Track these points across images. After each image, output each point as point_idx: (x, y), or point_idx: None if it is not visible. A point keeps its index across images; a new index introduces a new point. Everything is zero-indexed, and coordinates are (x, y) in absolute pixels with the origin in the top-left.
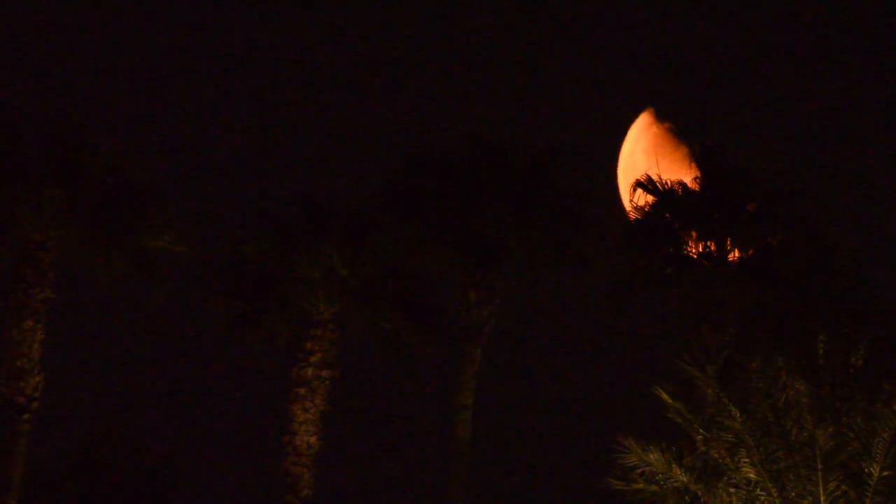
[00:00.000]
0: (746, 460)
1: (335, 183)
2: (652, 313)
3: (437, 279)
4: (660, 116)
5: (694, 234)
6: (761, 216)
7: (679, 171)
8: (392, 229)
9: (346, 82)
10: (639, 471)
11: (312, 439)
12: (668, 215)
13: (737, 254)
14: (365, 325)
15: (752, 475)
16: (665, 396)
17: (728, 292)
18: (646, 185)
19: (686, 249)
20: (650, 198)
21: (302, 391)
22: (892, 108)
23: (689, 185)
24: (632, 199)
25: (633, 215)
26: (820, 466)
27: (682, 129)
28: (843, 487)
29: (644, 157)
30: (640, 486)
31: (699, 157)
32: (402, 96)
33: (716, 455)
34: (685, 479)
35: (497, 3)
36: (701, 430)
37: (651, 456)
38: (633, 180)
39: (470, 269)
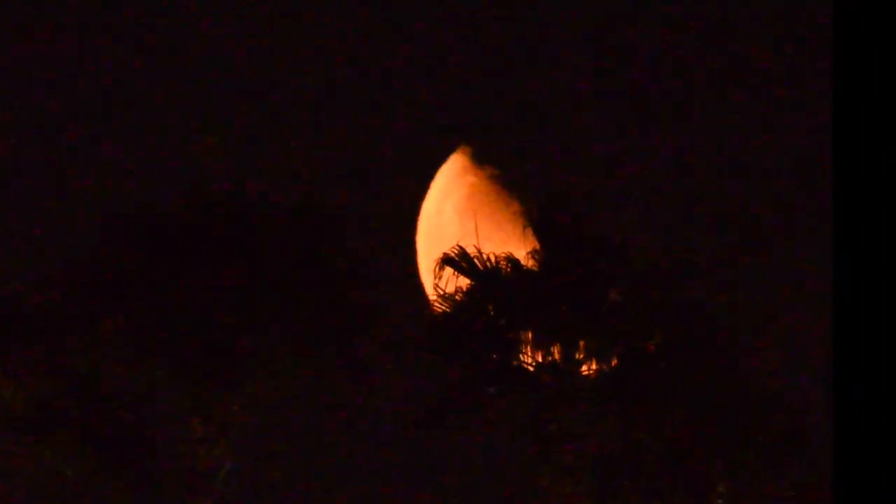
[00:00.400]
0: None
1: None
2: (466, 454)
3: (144, 402)
4: (479, 158)
5: (529, 335)
6: (631, 307)
7: (508, 240)
8: (80, 329)
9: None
10: None
11: None
12: (490, 307)
13: (594, 365)
14: (37, 468)
15: None
16: None
17: (581, 425)
18: (457, 261)
19: (518, 359)
20: (464, 280)
21: None
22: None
23: (523, 261)
24: (436, 281)
25: (438, 307)
26: None
27: (511, 176)
28: None
29: (456, 217)
30: None
31: (537, 218)
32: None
33: None
34: None
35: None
36: None
37: None
38: (439, 254)
39: (193, 389)
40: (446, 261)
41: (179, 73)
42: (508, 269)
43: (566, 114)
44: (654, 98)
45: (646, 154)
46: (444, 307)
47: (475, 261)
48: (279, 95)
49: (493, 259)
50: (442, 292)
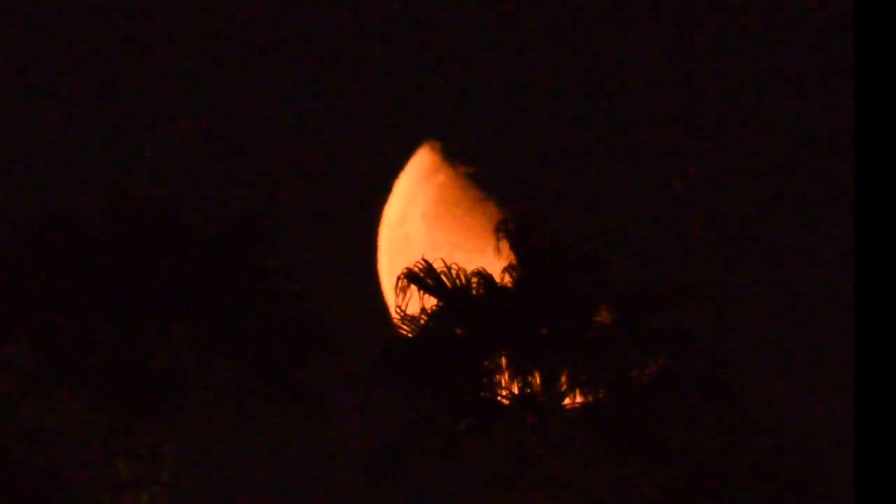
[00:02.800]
0: None
1: None
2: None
3: (56, 440)
4: (450, 155)
5: (504, 363)
6: (621, 331)
7: (483, 250)
8: None
9: None
10: None
11: None
12: (458, 331)
13: (578, 398)
14: None
15: None
16: None
17: (566, 469)
18: (421, 277)
19: (492, 391)
20: (431, 299)
21: None
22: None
23: (497, 277)
24: (398, 301)
25: (402, 330)
26: None
27: (487, 175)
28: None
29: (423, 225)
30: None
31: (513, 228)
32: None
33: None
34: None
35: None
36: None
37: None
38: (403, 268)
39: (116, 424)
40: (409, 277)
41: (110, 71)
42: (479, 289)
43: (551, 102)
44: (652, 92)
45: (641, 156)
46: (405, 330)
47: (442, 277)
48: (218, 89)
49: (462, 275)
50: (403, 313)
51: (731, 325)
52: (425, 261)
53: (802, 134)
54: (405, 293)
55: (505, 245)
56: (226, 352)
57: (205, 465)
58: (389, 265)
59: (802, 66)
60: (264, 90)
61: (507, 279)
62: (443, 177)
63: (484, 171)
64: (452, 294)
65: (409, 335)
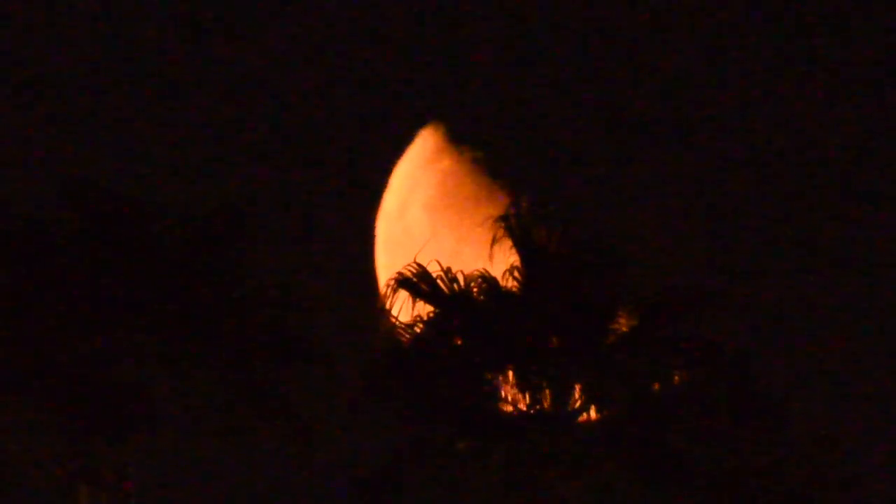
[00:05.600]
0: None
1: None
2: None
3: (7, 459)
4: (455, 138)
5: (510, 373)
6: (640, 341)
7: (488, 247)
8: None
9: None
10: None
11: None
12: (458, 341)
13: (593, 414)
14: None
15: None
16: None
17: (580, 493)
18: (414, 282)
19: (496, 406)
20: (426, 306)
21: None
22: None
23: (502, 280)
24: (390, 306)
25: (395, 339)
26: None
27: (497, 160)
28: None
29: (425, 217)
30: None
31: (516, 223)
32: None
33: None
34: None
35: None
36: None
37: None
38: (404, 265)
39: (75, 445)
40: (401, 283)
41: (71, 53)
42: (479, 294)
43: (569, 78)
44: (679, 72)
45: (670, 144)
46: (408, 336)
47: (439, 282)
48: (189, 63)
49: (462, 278)
50: (396, 322)
51: (764, 334)
52: (419, 264)
53: (839, 133)
54: (395, 300)
55: (507, 243)
56: (200, 363)
57: (176, 491)
58: (388, 263)
59: (836, 69)
60: (240, 61)
61: (513, 282)
62: (447, 162)
63: (493, 156)
64: (451, 300)
65: (403, 346)
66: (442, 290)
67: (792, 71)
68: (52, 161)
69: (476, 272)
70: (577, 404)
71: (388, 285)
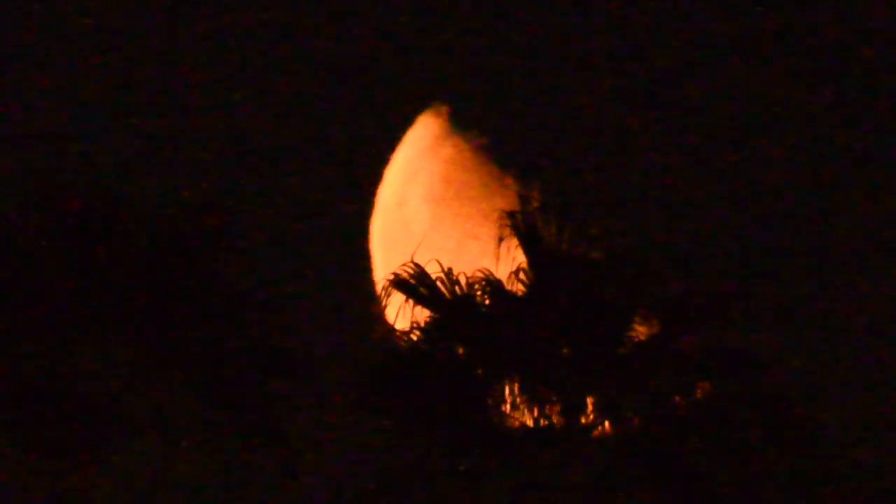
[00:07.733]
0: None
1: None
2: None
3: None
4: (460, 122)
5: (517, 388)
6: (659, 350)
7: (492, 243)
8: None
9: None
10: None
11: None
12: (461, 351)
13: (608, 428)
14: None
15: None
16: None
17: None
18: (412, 283)
19: (501, 422)
20: (424, 311)
21: None
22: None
23: (507, 283)
24: (384, 309)
25: (400, 343)
26: None
27: (506, 147)
28: None
29: (426, 209)
30: None
31: (521, 223)
32: None
33: None
34: None
35: None
36: None
37: None
38: (402, 263)
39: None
40: (397, 284)
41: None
42: (483, 298)
43: (586, 58)
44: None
45: (695, 132)
46: (394, 348)
47: (438, 284)
48: (163, 47)
49: (463, 281)
50: (392, 329)
51: (797, 343)
52: (416, 264)
53: (869, 132)
54: (390, 303)
55: (513, 241)
56: (176, 375)
57: None
58: (385, 260)
59: (853, 71)
60: (220, 42)
61: (519, 285)
62: (450, 149)
63: (500, 143)
64: (451, 305)
65: (398, 355)
66: (442, 293)
67: (819, 69)
68: (18, 158)
69: (479, 273)
70: (591, 419)
71: (382, 288)
